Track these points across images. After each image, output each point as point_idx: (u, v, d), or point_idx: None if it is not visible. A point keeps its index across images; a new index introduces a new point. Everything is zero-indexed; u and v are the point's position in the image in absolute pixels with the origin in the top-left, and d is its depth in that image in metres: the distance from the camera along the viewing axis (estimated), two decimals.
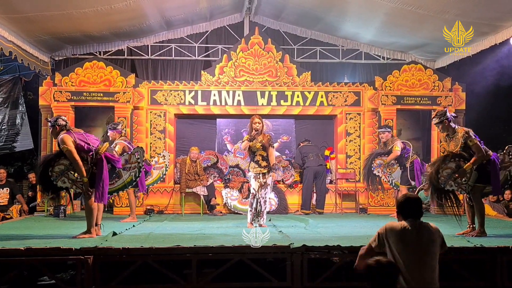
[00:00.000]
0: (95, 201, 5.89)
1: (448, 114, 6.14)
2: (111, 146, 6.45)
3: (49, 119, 6.16)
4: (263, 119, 7.51)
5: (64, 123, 5.94)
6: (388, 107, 9.84)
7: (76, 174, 5.84)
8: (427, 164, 8.83)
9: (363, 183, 9.40)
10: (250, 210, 7.12)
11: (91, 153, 5.88)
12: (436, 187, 6.05)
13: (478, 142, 5.96)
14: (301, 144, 9.84)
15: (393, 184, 8.97)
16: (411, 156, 8.66)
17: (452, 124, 6.14)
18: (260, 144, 7.10)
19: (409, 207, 3.49)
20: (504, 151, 6.29)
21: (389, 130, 9.00)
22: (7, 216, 8.74)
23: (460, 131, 6.07)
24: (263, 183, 7.06)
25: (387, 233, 3.42)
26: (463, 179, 5.98)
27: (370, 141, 9.76)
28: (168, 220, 8.15)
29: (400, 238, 3.37)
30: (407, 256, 3.31)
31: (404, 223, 3.45)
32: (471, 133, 6.05)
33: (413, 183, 8.57)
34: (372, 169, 8.91)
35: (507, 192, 9.03)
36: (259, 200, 7.05)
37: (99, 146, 5.99)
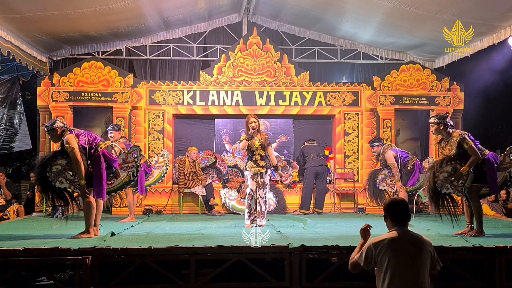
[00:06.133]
0: (94, 197, 5.87)
1: (447, 120, 6.16)
2: (111, 145, 6.41)
3: (46, 124, 6.13)
4: (261, 119, 7.52)
5: (62, 124, 5.93)
6: (386, 107, 9.85)
7: (72, 174, 5.82)
8: (424, 161, 8.87)
9: (371, 202, 9.47)
10: (248, 212, 7.11)
11: (92, 150, 5.88)
12: (434, 190, 6.07)
13: (473, 145, 5.98)
14: (305, 144, 9.84)
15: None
16: (411, 159, 8.66)
17: (448, 129, 6.15)
18: (259, 143, 7.07)
19: (395, 210, 3.47)
20: (505, 152, 6.28)
21: (379, 143, 8.97)
22: (5, 217, 8.72)
23: (455, 135, 6.08)
24: (260, 183, 7.03)
25: (373, 250, 3.35)
26: (460, 182, 6.00)
27: (369, 141, 9.74)
28: (166, 220, 8.15)
29: (388, 250, 3.32)
30: (395, 265, 3.28)
31: (390, 234, 3.40)
32: (466, 135, 6.06)
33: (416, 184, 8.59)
34: (377, 185, 9.02)
35: (502, 192, 9.03)
36: (258, 201, 7.02)
37: (100, 142, 5.98)
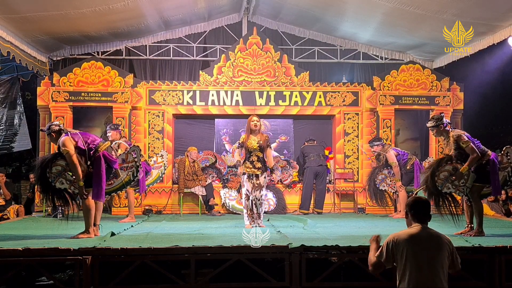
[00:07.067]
0: (92, 198, 5.88)
1: (444, 119, 6.15)
2: (112, 145, 6.42)
3: (43, 129, 6.15)
4: (261, 119, 7.51)
5: (57, 128, 5.91)
6: (386, 107, 9.86)
7: (72, 174, 5.83)
8: (424, 161, 8.87)
9: (371, 202, 9.46)
10: (246, 212, 7.09)
11: (92, 151, 5.87)
12: (433, 190, 6.06)
13: (471, 143, 5.96)
14: (305, 144, 9.84)
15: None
16: (410, 159, 8.66)
17: (447, 129, 6.14)
18: (258, 144, 7.03)
19: (418, 209, 3.50)
20: (502, 152, 6.29)
21: (378, 143, 8.97)
22: (4, 217, 8.72)
23: (451, 134, 6.08)
24: (256, 184, 6.98)
25: (393, 244, 3.37)
26: (461, 181, 5.99)
27: (368, 141, 9.74)
28: (166, 220, 8.15)
29: (408, 245, 3.34)
30: (414, 260, 3.30)
31: (410, 231, 3.42)
32: (463, 134, 6.05)
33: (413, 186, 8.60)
34: (377, 185, 9.00)
35: (502, 192, 9.02)
36: (254, 202, 6.98)
37: (100, 143, 5.98)
